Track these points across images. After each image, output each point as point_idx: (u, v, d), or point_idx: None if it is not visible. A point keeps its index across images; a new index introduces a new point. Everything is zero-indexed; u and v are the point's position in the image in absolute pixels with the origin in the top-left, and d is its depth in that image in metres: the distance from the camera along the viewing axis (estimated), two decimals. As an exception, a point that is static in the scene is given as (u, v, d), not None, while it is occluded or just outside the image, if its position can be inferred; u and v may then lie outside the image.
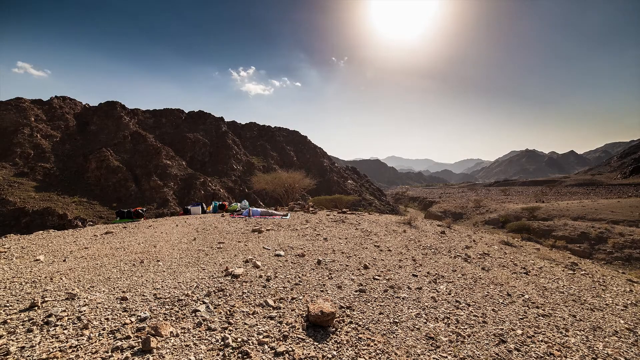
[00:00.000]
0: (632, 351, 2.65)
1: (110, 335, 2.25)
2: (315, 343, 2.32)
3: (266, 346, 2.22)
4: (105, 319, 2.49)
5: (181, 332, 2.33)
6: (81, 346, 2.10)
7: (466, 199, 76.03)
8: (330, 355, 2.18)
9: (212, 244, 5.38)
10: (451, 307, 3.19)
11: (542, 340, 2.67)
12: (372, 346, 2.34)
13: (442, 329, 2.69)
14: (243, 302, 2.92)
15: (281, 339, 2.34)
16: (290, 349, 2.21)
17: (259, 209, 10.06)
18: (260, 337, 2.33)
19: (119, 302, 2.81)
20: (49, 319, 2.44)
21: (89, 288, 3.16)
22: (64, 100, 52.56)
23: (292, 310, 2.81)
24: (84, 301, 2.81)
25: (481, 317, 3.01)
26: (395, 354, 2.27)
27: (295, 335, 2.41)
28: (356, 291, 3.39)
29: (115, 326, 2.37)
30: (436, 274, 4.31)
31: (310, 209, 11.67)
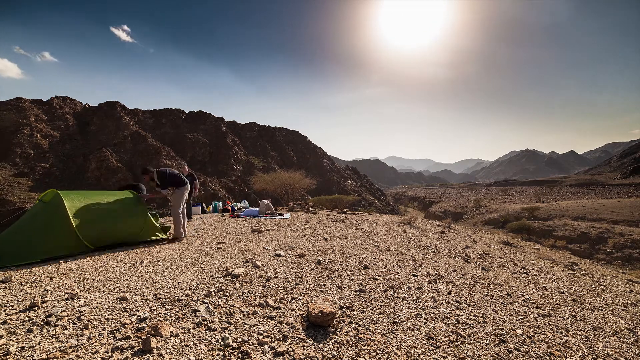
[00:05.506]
0: (632, 351, 2.65)
1: (110, 336, 2.25)
2: (315, 343, 2.32)
3: (266, 346, 2.22)
4: (105, 319, 2.49)
5: (181, 332, 2.33)
6: (81, 346, 2.10)
7: (466, 199, 76.04)
8: (330, 355, 2.18)
9: (212, 244, 5.38)
10: (451, 307, 3.19)
11: (542, 340, 2.67)
12: (372, 346, 2.34)
13: (442, 329, 2.69)
14: (243, 302, 2.92)
15: (281, 339, 2.34)
16: (290, 349, 2.21)
17: (256, 209, 10.10)
18: (260, 337, 2.33)
19: (119, 302, 2.81)
20: (49, 319, 2.43)
21: (89, 288, 3.16)
22: (64, 100, 52.54)
23: (292, 310, 2.81)
24: (84, 301, 2.81)
25: (481, 317, 3.01)
26: (395, 354, 2.27)
27: (295, 335, 2.40)
28: (356, 291, 3.39)
29: (115, 326, 2.37)
30: (436, 274, 4.31)
31: (310, 209, 11.67)
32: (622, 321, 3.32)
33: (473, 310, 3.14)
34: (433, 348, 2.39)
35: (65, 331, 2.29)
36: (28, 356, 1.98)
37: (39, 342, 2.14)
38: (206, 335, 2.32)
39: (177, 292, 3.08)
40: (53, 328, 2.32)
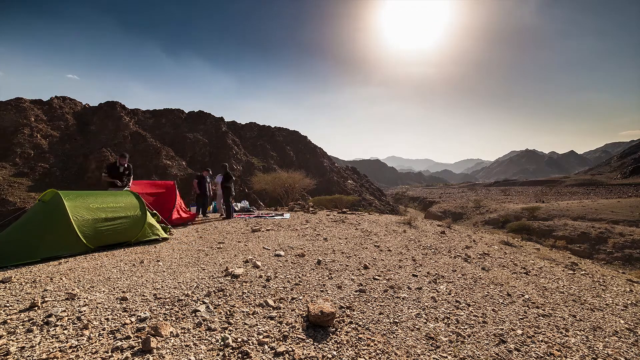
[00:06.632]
0: (632, 351, 2.65)
1: (110, 336, 2.25)
2: (315, 343, 2.32)
3: (266, 346, 2.22)
4: (105, 319, 2.49)
5: (181, 332, 2.33)
6: (81, 346, 2.10)
7: (466, 199, 76.05)
8: (330, 356, 2.18)
9: (212, 244, 5.38)
10: (451, 307, 3.19)
11: (542, 340, 2.67)
12: (372, 346, 2.34)
13: (442, 329, 2.69)
14: (243, 302, 2.92)
15: (281, 339, 2.34)
16: (290, 349, 2.21)
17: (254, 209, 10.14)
18: (260, 337, 2.33)
19: (119, 302, 2.81)
20: (49, 319, 2.44)
21: (89, 288, 3.16)
22: (64, 100, 52.52)
23: (292, 310, 2.81)
24: (84, 301, 2.81)
25: (481, 317, 3.01)
26: (395, 354, 2.27)
27: (295, 335, 2.40)
28: (356, 291, 3.39)
29: (115, 326, 2.37)
30: (436, 274, 4.31)
31: (310, 209, 11.67)
32: (622, 321, 3.32)
33: (473, 310, 3.14)
34: (433, 348, 2.39)
35: (65, 331, 2.29)
36: (28, 356, 1.98)
37: (39, 342, 2.13)
38: (206, 335, 2.32)
39: (177, 292, 3.08)
40: (53, 328, 2.32)
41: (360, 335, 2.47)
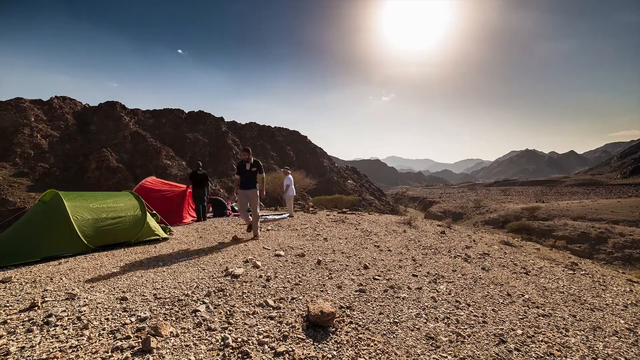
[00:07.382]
0: (632, 351, 2.65)
1: (110, 335, 2.25)
2: (315, 343, 2.32)
3: (266, 346, 2.22)
4: (105, 319, 2.49)
5: (181, 332, 2.33)
6: (81, 346, 2.10)
7: (466, 199, 76.04)
8: (330, 355, 2.18)
9: (212, 244, 5.38)
10: (451, 307, 3.19)
11: (542, 340, 2.67)
12: (372, 346, 2.34)
13: (442, 329, 2.69)
14: (243, 302, 2.92)
15: (281, 339, 2.34)
16: (290, 349, 2.21)
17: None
18: (260, 337, 2.33)
19: (119, 302, 2.81)
20: (49, 319, 2.44)
21: (89, 288, 3.16)
22: (64, 100, 52.52)
23: (292, 310, 2.81)
24: (84, 301, 2.81)
25: (481, 317, 3.01)
26: (395, 354, 2.27)
27: (295, 335, 2.40)
28: (356, 291, 3.39)
29: (115, 326, 2.37)
30: (436, 274, 4.31)
31: (310, 209, 11.68)
32: (622, 321, 3.32)
33: (473, 310, 3.14)
34: (433, 348, 2.39)
35: (65, 331, 2.29)
36: (28, 356, 1.98)
37: (39, 342, 2.14)
38: (206, 335, 2.32)
39: (177, 292, 3.08)
40: (53, 328, 2.32)
41: (360, 335, 2.47)
